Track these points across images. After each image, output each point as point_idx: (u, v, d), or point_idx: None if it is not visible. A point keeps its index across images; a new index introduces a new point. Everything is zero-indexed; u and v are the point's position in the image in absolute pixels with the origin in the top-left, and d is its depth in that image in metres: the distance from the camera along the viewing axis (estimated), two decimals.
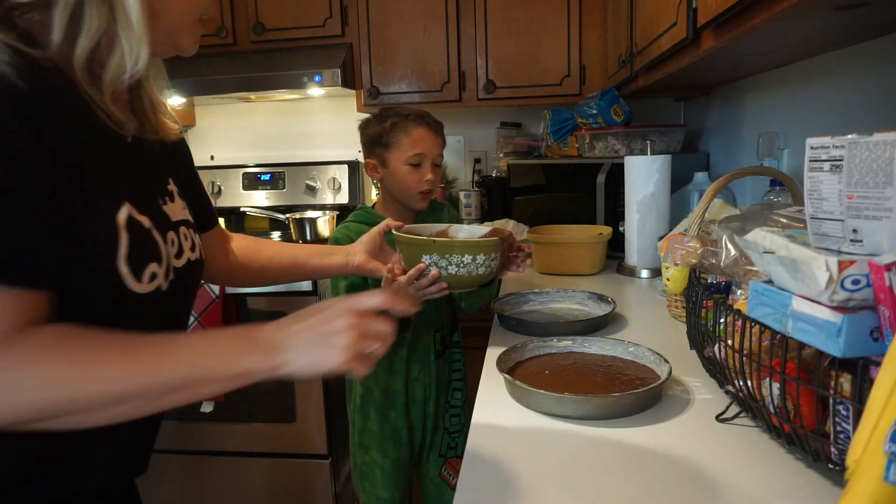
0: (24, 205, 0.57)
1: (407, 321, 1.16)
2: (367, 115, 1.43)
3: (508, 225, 2.05)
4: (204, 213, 0.94)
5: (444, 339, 1.43)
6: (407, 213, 1.42)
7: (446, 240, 1.05)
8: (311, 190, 2.76)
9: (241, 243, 1.07)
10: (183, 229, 0.79)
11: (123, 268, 0.65)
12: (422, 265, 1.02)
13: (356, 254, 1.10)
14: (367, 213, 1.41)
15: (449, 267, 1.01)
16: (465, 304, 1.40)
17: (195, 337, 0.65)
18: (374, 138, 1.36)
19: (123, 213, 0.66)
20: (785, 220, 0.77)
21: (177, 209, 0.79)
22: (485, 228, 1.17)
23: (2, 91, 0.57)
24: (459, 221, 1.56)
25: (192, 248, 0.80)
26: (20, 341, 0.56)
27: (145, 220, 0.69)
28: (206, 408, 1.99)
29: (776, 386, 0.69)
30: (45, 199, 0.58)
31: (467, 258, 1.01)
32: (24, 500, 0.67)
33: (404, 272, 1.03)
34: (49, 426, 0.58)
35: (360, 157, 2.80)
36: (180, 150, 0.89)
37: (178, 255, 0.76)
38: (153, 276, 0.69)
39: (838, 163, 0.61)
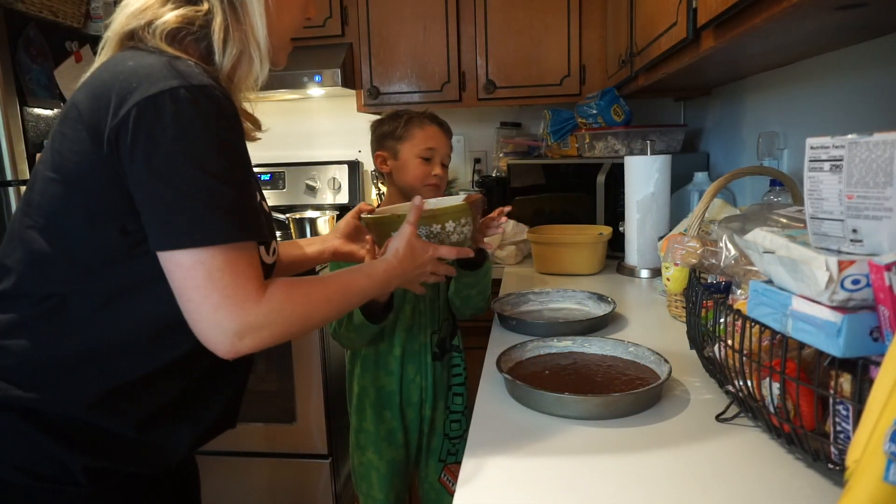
0: (250, 178, 0.76)
1: (389, 305, 1.17)
2: (377, 116, 1.48)
3: (508, 225, 2.05)
4: None
5: (442, 342, 1.43)
6: None
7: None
8: (311, 190, 2.76)
9: None
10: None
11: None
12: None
13: (332, 240, 1.17)
14: None
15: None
16: (458, 303, 1.39)
17: (358, 274, 0.89)
18: (388, 133, 1.40)
19: (257, 198, 0.82)
20: (785, 220, 0.78)
21: None
22: (459, 197, 1.13)
23: (221, 93, 0.72)
24: None
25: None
26: (272, 285, 0.74)
27: (265, 205, 0.87)
28: None
29: (776, 386, 0.69)
30: (251, 176, 0.78)
31: (436, 227, 0.97)
32: (158, 434, 0.83)
33: (382, 254, 1.00)
34: (298, 336, 0.86)
35: (360, 157, 2.80)
36: None
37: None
38: (273, 251, 0.87)
39: (838, 163, 0.61)
